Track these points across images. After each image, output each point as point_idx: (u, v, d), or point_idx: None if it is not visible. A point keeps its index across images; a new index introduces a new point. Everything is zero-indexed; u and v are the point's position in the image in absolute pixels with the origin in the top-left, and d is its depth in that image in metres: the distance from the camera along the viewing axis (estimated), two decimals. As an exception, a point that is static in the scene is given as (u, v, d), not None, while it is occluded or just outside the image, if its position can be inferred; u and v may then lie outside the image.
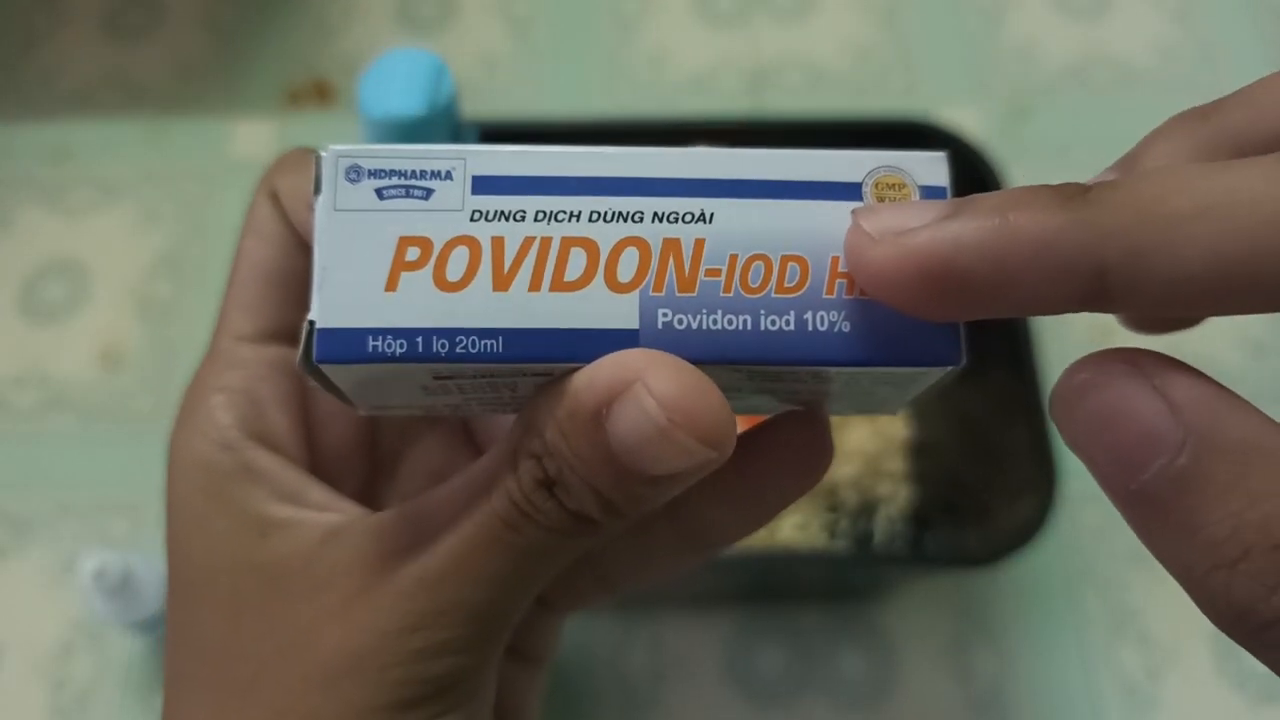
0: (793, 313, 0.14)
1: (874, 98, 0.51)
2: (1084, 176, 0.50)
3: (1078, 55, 0.52)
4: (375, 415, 0.17)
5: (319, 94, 0.51)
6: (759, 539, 0.40)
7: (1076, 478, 0.41)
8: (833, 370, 0.14)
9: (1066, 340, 0.45)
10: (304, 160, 0.18)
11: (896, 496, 0.41)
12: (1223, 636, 0.12)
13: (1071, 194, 0.12)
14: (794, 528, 0.40)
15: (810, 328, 0.14)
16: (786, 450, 0.17)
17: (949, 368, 0.14)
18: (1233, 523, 0.11)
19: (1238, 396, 0.12)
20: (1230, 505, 0.11)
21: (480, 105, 0.49)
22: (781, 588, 0.40)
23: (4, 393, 0.45)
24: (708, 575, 0.37)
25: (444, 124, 0.33)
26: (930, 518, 0.40)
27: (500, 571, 0.15)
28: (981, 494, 0.37)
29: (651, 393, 0.13)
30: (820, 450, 0.17)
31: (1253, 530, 0.11)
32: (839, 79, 0.51)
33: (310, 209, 0.14)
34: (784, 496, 0.18)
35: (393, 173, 0.14)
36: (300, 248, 0.18)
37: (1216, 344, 0.44)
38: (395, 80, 0.32)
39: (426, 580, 0.15)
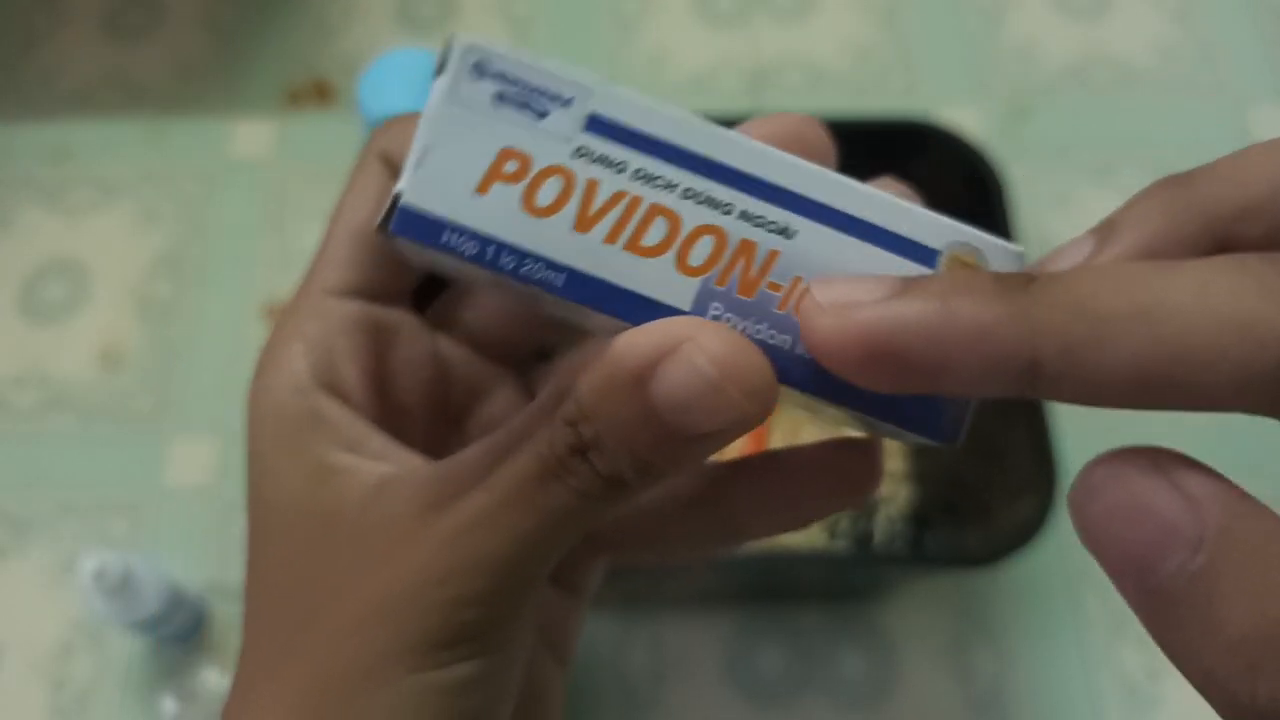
0: None
1: (874, 98, 0.51)
2: (1084, 176, 0.50)
3: (1078, 55, 0.52)
4: (421, 267, 0.17)
5: (319, 94, 0.51)
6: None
7: (1077, 478, 0.41)
8: (849, 411, 0.15)
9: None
10: (406, 120, 0.18)
11: (897, 496, 0.41)
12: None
13: (1014, 285, 0.13)
14: (794, 528, 0.40)
15: None
16: (836, 470, 0.18)
17: (947, 443, 0.15)
18: (1255, 621, 0.11)
19: (1253, 497, 0.12)
20: (1253, 604, 0.11)
21: (480, 105, 0.49)
22: (781, 588, 0.40)
23: (4, 393, 0.45)
24: (708, 575, 0.37)
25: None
26: (930, 518, 0.40)
27: (527, 529, 0.16)
28: (982, 494, 0.37)
29: (704, 350, 0.13)
30: (868, 478, 0.18)
31: (1277, 628, 0.11)
32: (839, 79, 0.51)
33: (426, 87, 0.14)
34: (822, 510, 0.19)
35: (517, 81, 0.14)
36: None
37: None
38: (395, 80, 0.32)
39: (457, 533, 0.16)
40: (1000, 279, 0.13)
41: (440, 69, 0.14)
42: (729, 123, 0.16)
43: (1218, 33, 0.52)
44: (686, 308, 0.14)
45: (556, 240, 0.14)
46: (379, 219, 0.14)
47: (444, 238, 0.14)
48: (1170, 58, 0.52)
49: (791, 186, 0.14)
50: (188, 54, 0.52)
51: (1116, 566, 0.13)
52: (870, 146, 0.39)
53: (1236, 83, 0.51)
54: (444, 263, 0.15)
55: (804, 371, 0.14)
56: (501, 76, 0.14)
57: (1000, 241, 0.15)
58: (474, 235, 0.14)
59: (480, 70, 0.14)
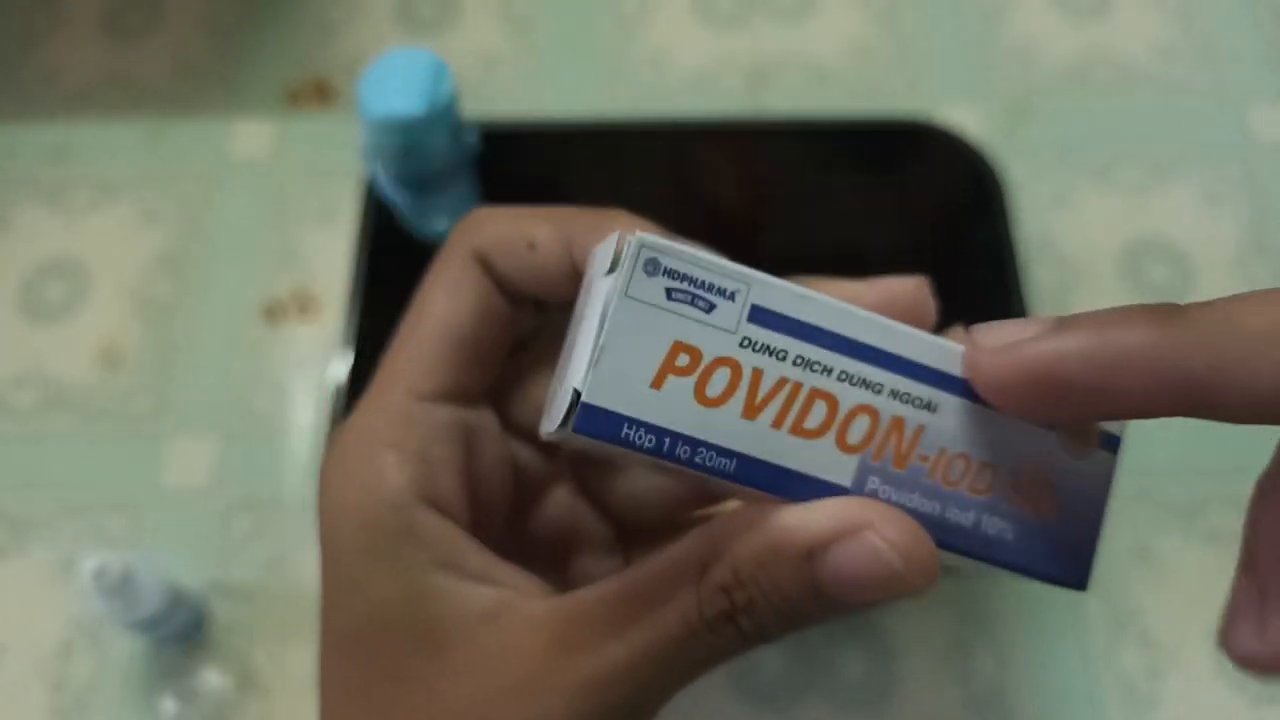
0: (973, 513, 0.16)
1: (874, 98, 0.51)
2: (1084, 176, 0.51)
3: (1078, 55, 0.52)
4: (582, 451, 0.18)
5: (319, 94, 0.51)
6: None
7: (1077, 478, 0.41)
8: (986, 565, 0.16)
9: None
10: (495, 213, 0.19)
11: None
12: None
13: (1164, 313, 0.14)
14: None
15: (981, 528, 0.16)
16: None
17: (1075, 589, 0.16)
18: None
19: None
20: None
21: (480, 105, 0.49)
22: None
23: (3, 393, 0.45)
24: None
25: (444, 123, 0.33)
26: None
27: (662, 679, 0.17)
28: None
29: (886, 538, 0.15)
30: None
31: None
32: (839, 79, 0.51)
33: (587, 283, 0.15)
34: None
35: (686, 277, 0.15)
36: (498, 311, 0.19)
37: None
38: (395, 80, 0.32)
39: (597, 682, 0.16)
40: (1152, 308, 0.14)
41: (613, 267, 0.15)
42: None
43: (1218, 33, 0.52)
44: (848, 483, 0.15)
45: (727, 429, 0.15)
46: (559, 419, 0.15)
47: (623, 433, 0.14)
48: (1170, 58, 0.52)
49: (930, 364, 0.16)
50: (188, 54, 0.52)
51: None
52: (871, 147, 0.39)
53: (1237, 83, 0.51)
54: (616, 453, 0.15)
55: (952, 535, 0.16)
56: (671, 273, 0.15)
57: None
58: (650, 428, 0.14)
59: (653, 267, 0.15)
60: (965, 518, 0.16)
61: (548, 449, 0.21)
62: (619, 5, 0.54)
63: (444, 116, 0.33)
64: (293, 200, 0.48)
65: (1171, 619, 0.40)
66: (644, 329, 0.14)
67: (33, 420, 0.44)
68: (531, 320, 0.20)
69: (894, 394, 0.15)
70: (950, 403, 0.16)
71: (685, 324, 0.15)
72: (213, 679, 0.39)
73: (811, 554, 0.15)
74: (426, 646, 0.17)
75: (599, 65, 0.52)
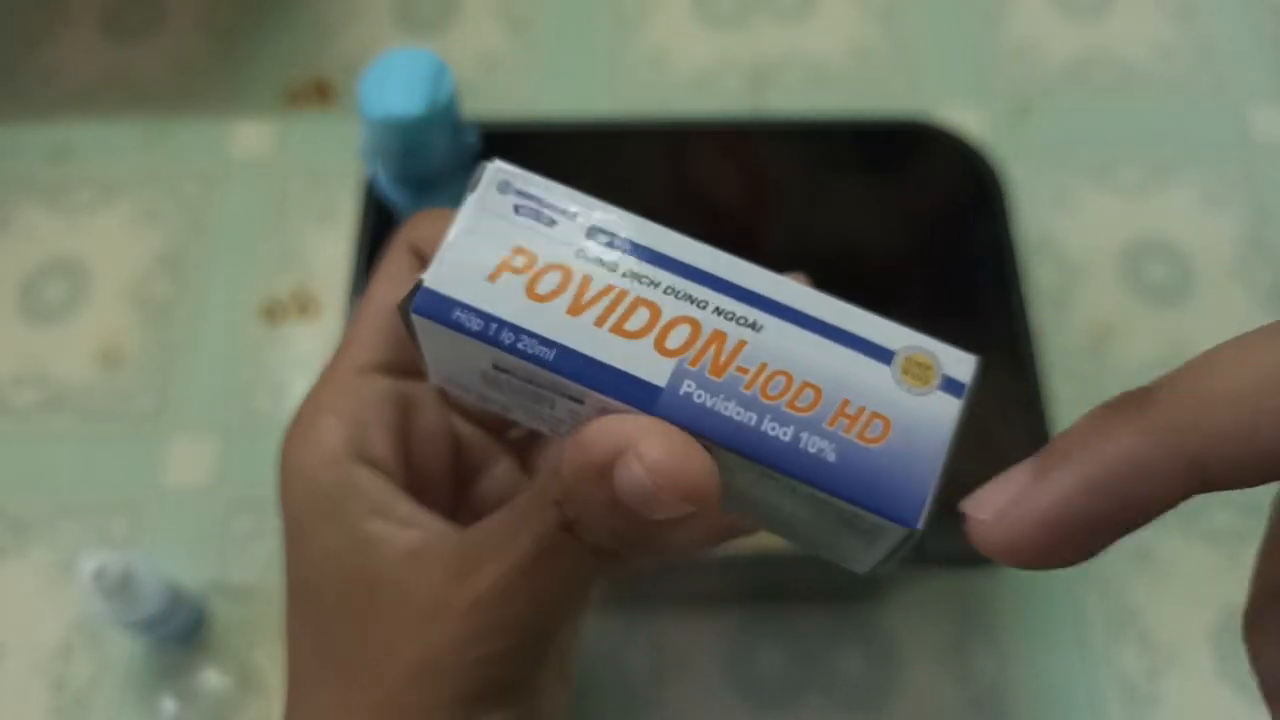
0: (792, 427, 0.16)
1: (874, 98, 0.51)
2: (1083, 176, 0.50)
3: (1078, 55, 0.52)
4: (442, 386, 0.19)
5: (319, 94, 0.51)
6: (759, 539, 0.40)
7: (1076, 478, 0.41)
8: (804, 489, 0.16)
9: (1067, 340, 0.45)
10: (434, 214, 0.21)
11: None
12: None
13: (1137, 404, 0.13)
14: (794, 528, 0.40)
15: (801, 445, 0.16)
16: None
17: (906, 529, 0.16)
18: None
19: None
20: None
21: (480, 105, 0.49)
22: (781, 588, 0.41)
23: (4, 393, 0.45)
24: (708, 575, 0.37)
25: (443, 124, 0.33)
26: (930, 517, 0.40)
27: (538, 595, 0.18)
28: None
29: (641, 459, 0.15)
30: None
31: None
32: (839, 79, 0.51)
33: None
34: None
35: (533, 197, 0.17)
36: None
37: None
38: (395, 80, 0.32)
39: (480, 601, 0.18)
40: (1118, 407, 0.13)
41: (474, 187, 0.17)
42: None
43: (1218, 33, 0.52)
44: (662, 383, 0.16)
45: (551, 321, 0.16)
46: (401, 300, 0.16)
47: (454, 315, 0.16)
48: (1170, 58, 0.52)
49: (760, 291, 0.16)
50: (187, 54, 0.52)
51: None
52: (871, 147, 0.39)
53: (1236, 83, 0.51)
54: (452, 356, 0.17)
55: (768, 448, 0.16)
56: (521, 193, 0.17)
57: (953, 349, 0.17)
58: (480, 314, 0.16)
59: (504, 187, 0.17)
60: (784, 432, 0.16)
61: (490, 427, 0.23)
62: (619, 5, 0.54)
63: (444, 117, 0.33)
64: (292, 200, 0.48)
65: (1171, 619, 0.40)
66: (489, 233, 0.16)
67: (33, 420, 0.44)
68: None
69: (718, 310, 0.16)
70: (775, 324, 0.16)
71: (527, 233, 0.16)
72: (213, 679, 0.39)
73: (604, 470, 0.16)
74: (364, 587, 0.19)
75: (599, 65, 0.52)
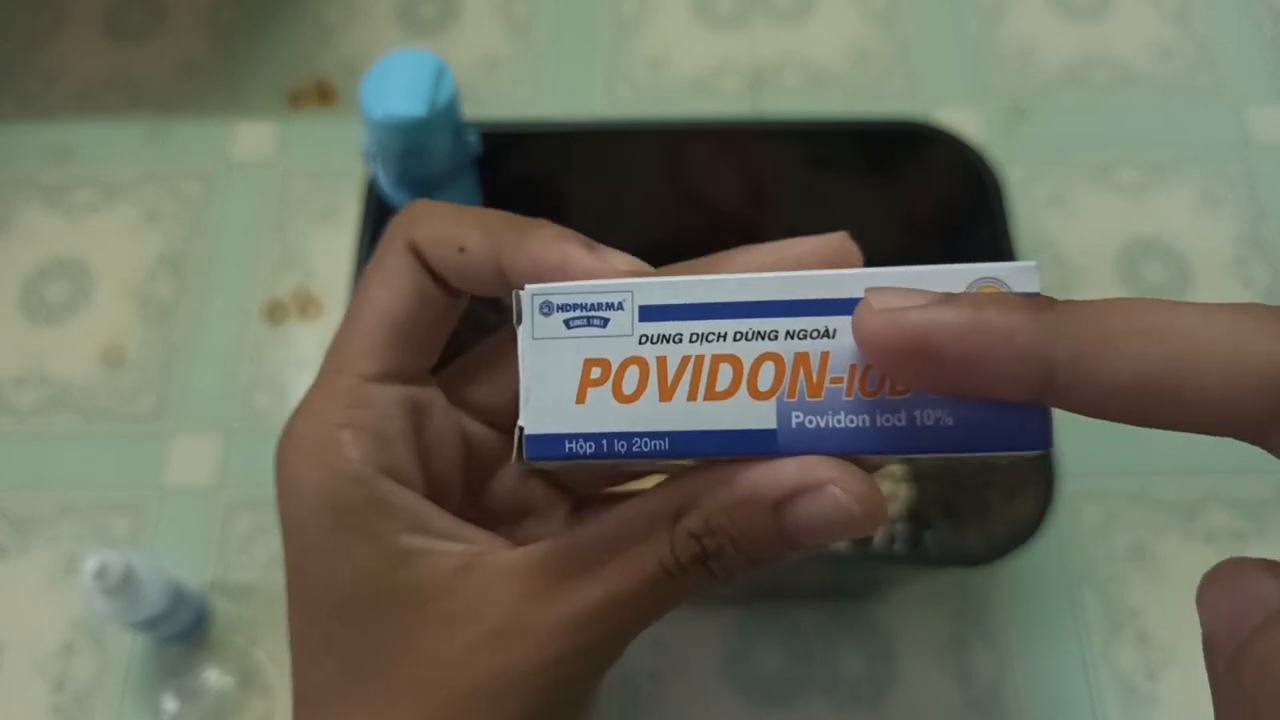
0: (903, 411, 0.16)
1: (873, 99, 0.51)
2: (1082, 177, 0.51)
3: (1077, 56, 0.52)
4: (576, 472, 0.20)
5: (320, 95, 0.51)
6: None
7: (1075, 477, 0.41)
8: (944, 457, 0.17)
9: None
10: (432, 209, 0.20)
11: (896, 496, 0.41)
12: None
13: (1039, 303, 0.15)
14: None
15: (919, 423, 0.16)
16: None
17: (1038, 450, 0.16)
18: None
19: None
20: None
21: (480, 106, 0.49)
22: (781, 587, 0.41)
23: (5, 392, 0.45)
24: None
25: (444, 125, 0.33)
26: (929, 517, 0.40)
27: (635, 619, 0.18)
28: (980, 493, 0.37)
29: (849, 491, 0.16)
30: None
31: None
32: (838, 80, 0.52)
33: (516, 334, 0.17)
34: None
35: (576, 305, 0.17)
36: (433, 299, 0.20)
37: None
38: (396, 81, 0.33)
39: (574, 623, 0.18)
40: (1028, 299, 0.15)
41: (518, 318, 0.17)
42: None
43: (1217, 33, 0.52)
44: (773, 425, 0.16)
45: (650, 414, 0.17)
46: (514, 456, 0.17)
47: (566, 448, 0.17)
48: (1169, 58, 0.52)
49: (818, 296, 0.17)
50: (189, 55, 0.53)
51: (1209, 628, 0.14)
52: (869, 148, 0.39)
53: (1235, 84, 0.51)
54: (580, 465, 0.17)
55: (890, 439, 0.16)
56: (565, 306, 0.17)
57: (1013, 264, 0.17)
58: (587, 437, 0.17)
59: (548, 308, 0.17)
60: (896, 419, 0.16)
61: (498, 425, 0.22)
62: (619, 7, 0.54)
63: (445, 118, 0.33)
64: (294, 201, 0.49)
65: (1170, 619, 0.40)
66: (556, 360, 0.17)
67: (34, 420, 0.44)
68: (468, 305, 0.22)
69: (789, 334, 0.17)
70: (846, 322, 0.16)
71: (589, 343, 0.17)
72: (214, 678, 0.39)
73: (779, 506, 0.16)
74: (406, 604, 0.18)
75: (599, 67, 0.52)
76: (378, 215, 0.37)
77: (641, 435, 0.17)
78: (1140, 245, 0.47)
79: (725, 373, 0.17)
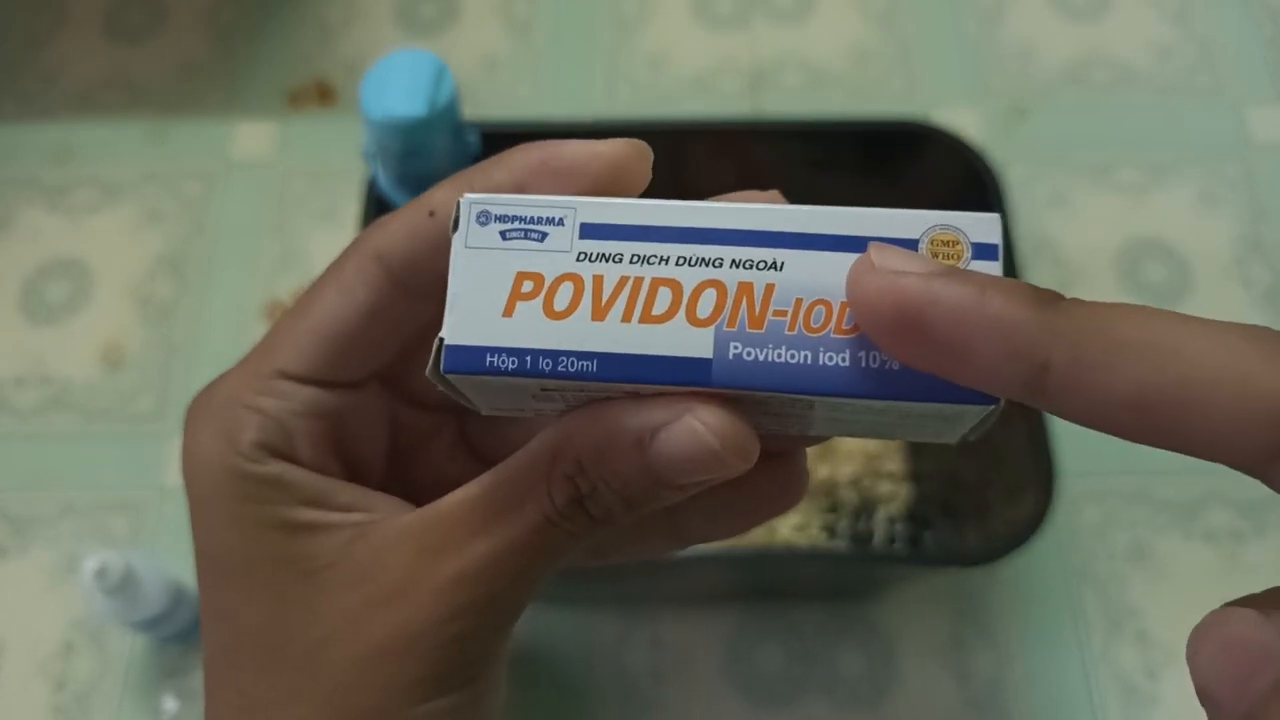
0: (848, 351, 0.15)
1: (873, 99, 0.51)
2: (1082, 177, 0.50)
3: (1076, 56, 0.52)
4: (495, 414, 0.19)
5: (320, 95, 0.51)
6: (759, 538, 0.40)
7: (1075, 477, 0.41)
8: (880, 404, 0.16)
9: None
10: (394, 213, 0.20)
11: (896, 496, 0.41)
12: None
13: (1046, 297, 0.14)
14: (793, 528, 0.40)
15: (864, 365, 0.15)
16: (767, 484, 0.20)
17: (986, 407, 0.15)
18: None
19: None
20: None
21: (480, 106, 0.49)
22: (781, 587, 0.41)
23: (5, 392, 0.45)
24: (708, 575, 0.37)
25: (445, 125, 0.33)
26: (929, 517, 0.40)
27: (525, 568, 0.18)
28: (980, 493, 0.37)
29: (705, 422, 0.16)
30: (794, 489, 0.20)
31: None
32: (838, 80, 0.52)
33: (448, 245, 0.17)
34: (755, 518, 0.21)
35: (514, 218, 0.16)
36: (388, 311, 0.19)
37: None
38: (396, 81, 0.33)
39: (464, 577, 0.18)
40: (1037, 290, 0.14)
41: (455, 225, 0.16)
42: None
43: (1216, 33, 0.52)
44: (709, 354, 0.16)
45: (581, 334, 0.16)
46: (429, 367, 0.16)
47: (487, 361, 0.16)
48: (1169, 58, 0.52)
49: (767, 228, 0.16)
50: (189, 55, 0.53)
51: (1216, 695, 0.14)
52: (869, 148, 0.39)
53: (1235, 83, 0.51)
54: (496, 391, 0.17)
55: (833, 379, 0.15)
56: (503, 217, 0.16)
57: (972, 214, 0.16)
58: (511, 351, 0.16)
59: (485, 217, 0.16)
60: (840, 358, 0.15)
61: (428, 405, 0.22)
62: (619, 7, 0.54)
63: (445, 117, 0.33)
64: (294, 201, 0.49)
65: (1170, 618, 0.40)
66: (487, 270, 0.16)
67: (34, 420, 0.44)
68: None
69: (734, 263, 0.16)
70: (796, 257, 0.16)
71: (523, 256, 0.16)
72: (214, 678, 0.39)
73: (642, 441, 0.16)
74: (300, 572, 0.18)
75: (599, 66, 0.52)
76: (378, 215, 0.37)
77: (569, 354, 0.16)
78: (1140, 245, 0.47)
79: (664, 296, 0.16)
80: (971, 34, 0.53)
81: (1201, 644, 0.14)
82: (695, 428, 0.16)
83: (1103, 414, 0.13)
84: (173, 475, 0.43)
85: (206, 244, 0.48)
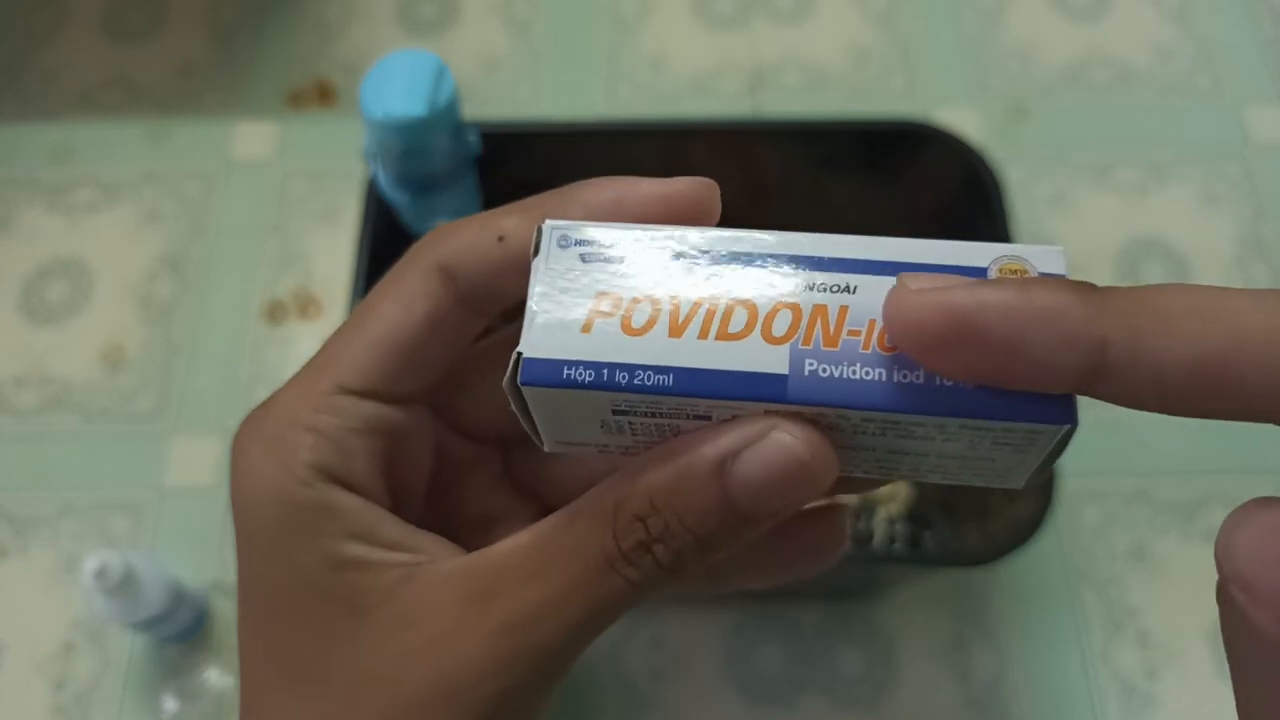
0: (922, 369, 0.16)
1: (873, 99, 0.51)
2: (1082, 177, 0.50)
3: (1076, 56, 0.52)
4: (557, 449, 0.19)
5: (320, 95, 0.51)
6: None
7: (1075, 477, 0.41)
8: (955, 424, 0.16)
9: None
10: (458, 224, 0.19)
11: (896, 496, 0.41)
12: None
13: (1087, 287, 0.14)
14: (793, 527, 0.40)
15: (936, 382, 0.16)
16: (809, 536, 0.20)
17: (1063, 427, 0.15)
18: None
19: None
20: None
21: (480, 106, 0.49)
22: (780, 587, 0.41)
23: (5, 392, 0.45)
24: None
25: (445, 125, 0.33)
26: (929, 517, 0.40)
27: (578, 620, 0.17)
28: (980, 493, 0.37)
29: (792, 433, 0.16)
30: (834, 543, 0.20)
31: None
32: (838, 80, 0.52)
33: (528, 268, 0.17)
34: (793, 570, 0.21)
35: (593, 241, 0.17)
36: (448, 324, 0.19)
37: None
38: (396, 81, 0.33)
39: (516, 625, 0.17)
40: (1075, 282, 0.14)
41: (536, 250, 0.17)
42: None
43: (1216, 33, 0.52)
44: (785, 370, 0.16)
45: (657, 349, 0.16)
46: (505, 380, 0.16)
47: (565, 374, 0.16)
48: (1169, 58, 0.52)
49: (840, 255, 0.17)
50: (189, 55, 0.53)
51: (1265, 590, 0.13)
52: (869, 148, 0.39)
53: (1235, 84, 0.51)
54: (567, 414, 0.17)
55: (908, 397, 0.16)
56: (582, 242, 0.17)
57: (1038, 246, 0.17)
58: (587, 364, 0.16)
59: (564, 241, 0.17)
60: (914, 375, 0.16)
61: (473, 434, 0.22)
62: (619, 7, 0.54)
63: (445, 117, 0.33)
64: (294, 201, 0.49)
65: (1170, 618, 0.40)
66: (566, 289, 0.17)
67: (35, 420, 0.44)
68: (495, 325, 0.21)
69: (810, 287, 0.16)
70: (870, 281, 0.16)
71: (602, 277, 0.17)
72: (214, 678, 0.39)
73: (722, 466, 0.16)
74: (347, 609, 0.18)
75: (599, 66, 0.52)
76: (378, 215, 0.37)
77: (645, 368, 0.16)
78: (1140, 245, 0.47)
79: (740, 316, 0.16)
80: (971, 34, 0.53)
81: (1238, 530, 0.13)
82: (785, 440, 0.16)
83: (1167, 383, 0.13)
84: (173, 475, 0.43)
85: (206, 244, 0.48)
